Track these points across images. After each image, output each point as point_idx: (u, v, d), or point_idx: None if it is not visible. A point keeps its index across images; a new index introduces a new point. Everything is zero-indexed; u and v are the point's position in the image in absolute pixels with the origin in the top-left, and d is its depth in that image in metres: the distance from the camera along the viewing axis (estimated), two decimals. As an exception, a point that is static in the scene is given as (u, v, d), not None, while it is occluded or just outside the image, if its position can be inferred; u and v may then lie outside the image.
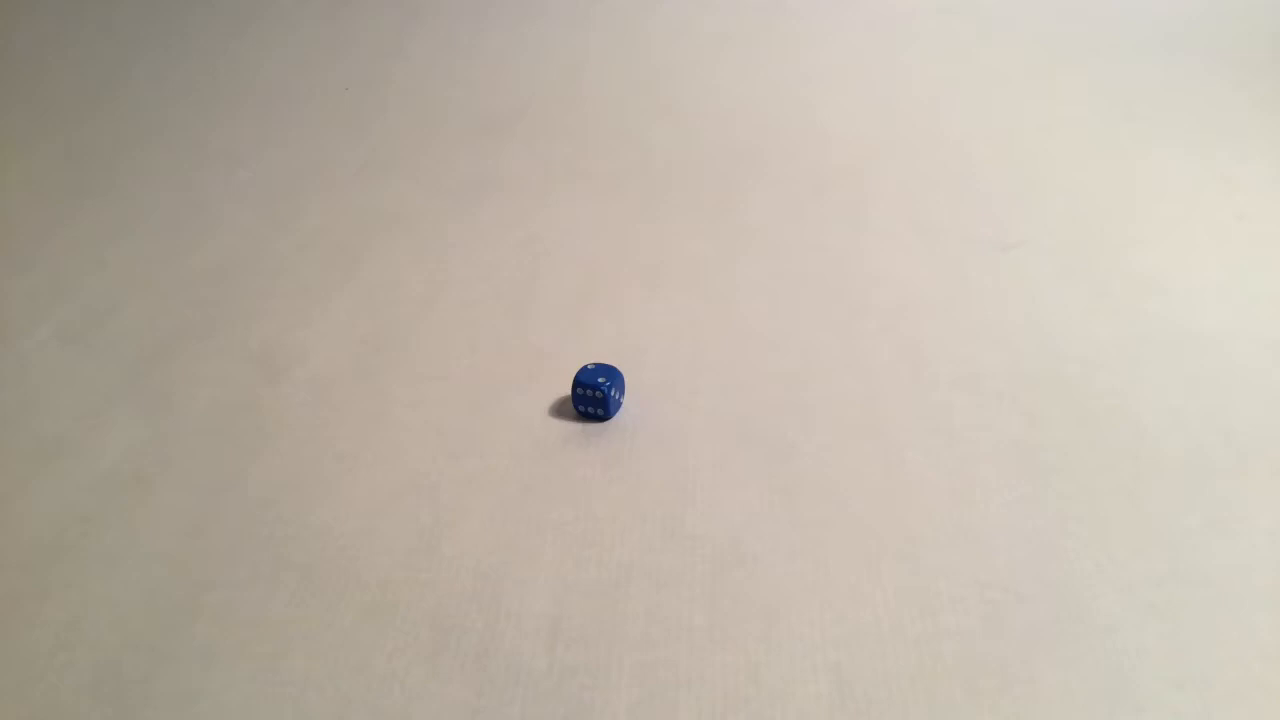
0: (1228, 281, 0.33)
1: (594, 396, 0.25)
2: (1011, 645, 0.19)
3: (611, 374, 0.26)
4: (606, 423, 0.26)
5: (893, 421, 0.26)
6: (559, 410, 0.26)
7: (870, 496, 0.23)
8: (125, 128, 0.48)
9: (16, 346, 0.29)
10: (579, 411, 0.26)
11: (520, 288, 0.33)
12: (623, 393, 0.26)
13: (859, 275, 0.33)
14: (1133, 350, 0.29)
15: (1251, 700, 0.18)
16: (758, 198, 0.40)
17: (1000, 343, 0.29)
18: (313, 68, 0.54)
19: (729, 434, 0.25)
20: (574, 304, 0.32)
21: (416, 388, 0.27)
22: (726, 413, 0.26)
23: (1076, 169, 0.42)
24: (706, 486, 0.23)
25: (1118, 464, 0.24)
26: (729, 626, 0.20)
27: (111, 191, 0.41)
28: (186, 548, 0.22)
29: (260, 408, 0.27)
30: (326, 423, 0.26)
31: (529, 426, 0.26)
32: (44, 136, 0.47)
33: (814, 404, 0.26)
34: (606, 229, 0.37)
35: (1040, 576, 0.21)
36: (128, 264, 0.35)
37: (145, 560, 0.22)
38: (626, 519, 0.22)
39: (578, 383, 0.25)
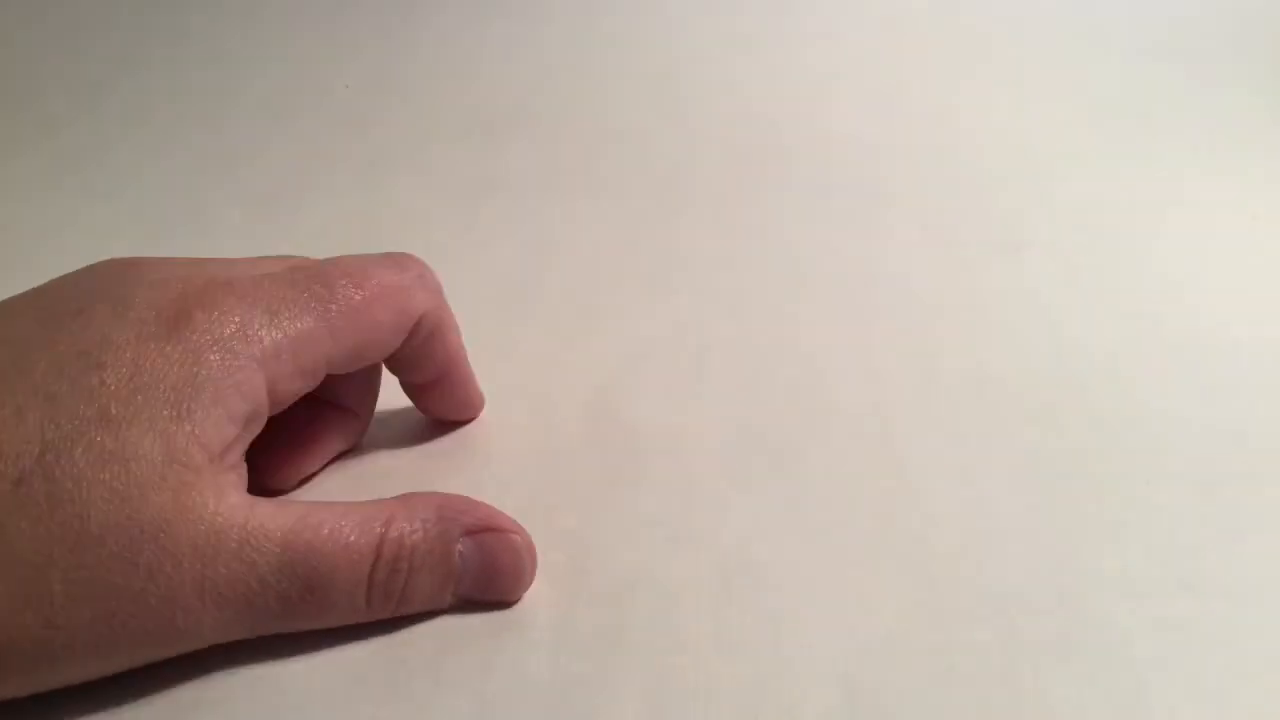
0: (1242, 284, 0.32)
1: None
2: (1024, 657, 0.19)
3: None
4: (613, 429, 0.25)
5: (903, 427, 0.25)
6: (564, 416, 0.26)
7: (880, 504, 0.23)
8: (124, 128, 0.47)
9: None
10: None
11: (523, 290, 0.32)
12: None
13: (867, 278, 0.33)
14: (1146, 354, 0.29)
15: (1273, 714, 0.18)
16: (764, 199, 0.39)
17: (1011, 347, 0.29)
18: (312, 66, 0.54)
19: (736, 439, 0.25)
20: (578, 306, 0.32)
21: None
22: (734, 418, 0.26)
23: (1087, 169, 0.42)
24: (714, 493, 0.23)
25: (1131, 472, 0.24)
26: (736, 636, 0.19)
27: (111, 192, 0.41)
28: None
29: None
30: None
31: (533, 432, 0.25)
32: (43, 137, 0.46)
33: (823, 409, 0.26)
34: (610, 231, 0.37)
35: (1053, 587, 0.20)
36: (126, 264, 0.34)
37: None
38: (632, 527, 0.22)
39: None
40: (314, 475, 0.23)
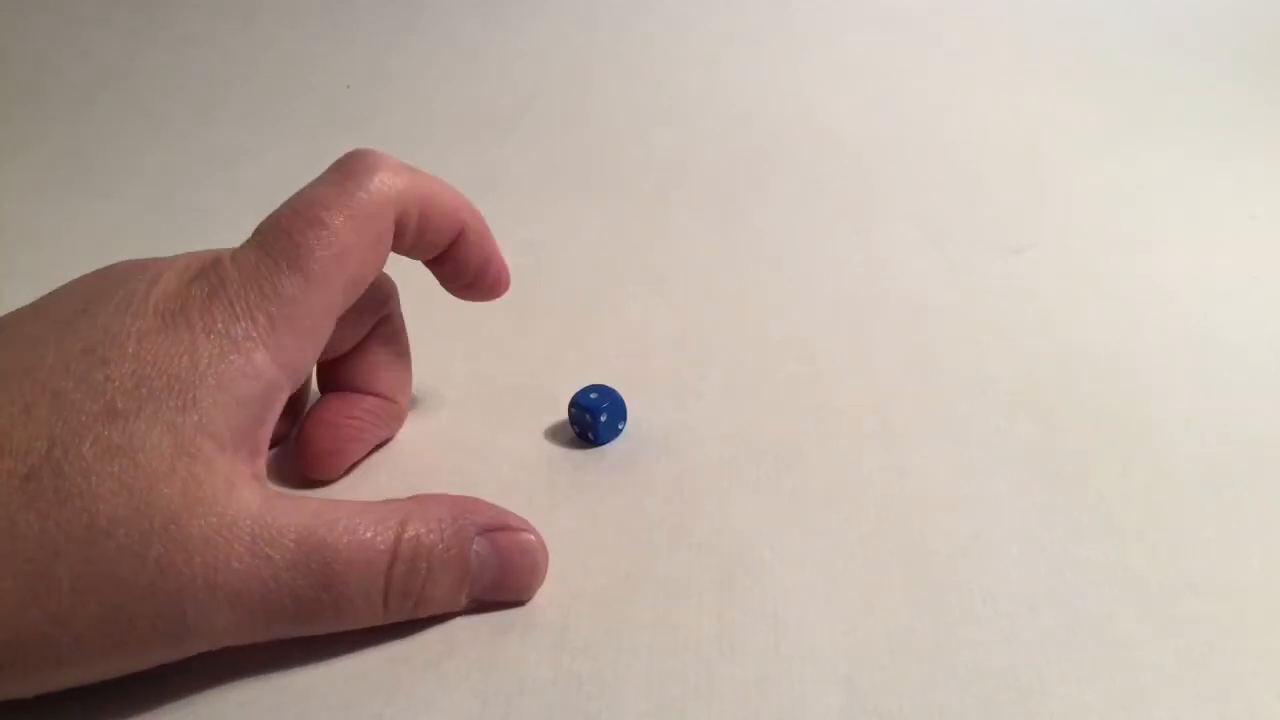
0: (1241, 282, 0.32)
1: (585, 421, 0.25)
2: (1025, 658, 0.19)
3: (610, 400, 0.25)
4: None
5: (903, 428, 0.25)
6: (564, 417, 0.26)
7: (881, 505, 0.23)
8: (124, 127, 0.47)
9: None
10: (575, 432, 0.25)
11: (522, 290, 0.32)
12: (623, 419, 0.25)
13: (867, 278, 0.33)
14: (1146, 354, 0.29)
15: (1273, 714, 0.18)
16: (763, 199, 0.39)
17: (1011, 347, 0.29)
18: (313, 65, 0.54)
19: (736, 441, 0.25)
20: (577, 307, 0.32)
21: (415, 394, 0.27)
22: (734, 419, 0.26)
23: (1086, 169, 0.42)
24: (714, 494, 0.23)
25: (1132, 472, 0.24)
26: (738, 637, 0.19)
27: (111, 192, 0.41)
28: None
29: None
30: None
31: (533, 434, 0.25)
32: (43, 136, 0.46)
33: (823, 410, 0.26)
34: (609, 231, 0.37)
35: (1054, 587, 0.20)
36: (126, 264, 0.34)
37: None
38: (634, 527, 0.22)
39: (574, 403, 0.25)
40: (358, 464, 0.24)
